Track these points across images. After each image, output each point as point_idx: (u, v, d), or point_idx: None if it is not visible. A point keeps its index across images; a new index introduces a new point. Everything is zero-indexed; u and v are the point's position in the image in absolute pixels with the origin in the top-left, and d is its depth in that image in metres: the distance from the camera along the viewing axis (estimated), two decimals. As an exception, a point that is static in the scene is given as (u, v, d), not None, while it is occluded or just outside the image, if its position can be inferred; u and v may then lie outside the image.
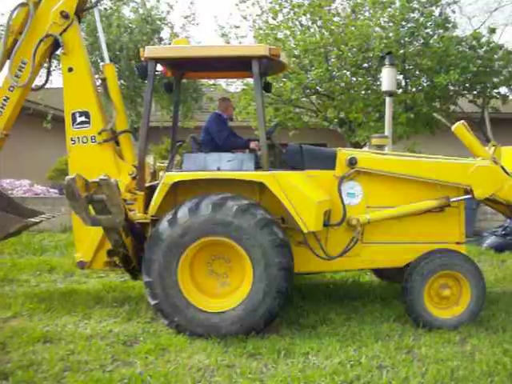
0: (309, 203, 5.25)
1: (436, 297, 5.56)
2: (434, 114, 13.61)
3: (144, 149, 5.62)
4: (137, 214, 5.52)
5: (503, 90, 13.57)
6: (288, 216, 5.37)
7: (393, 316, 5.78)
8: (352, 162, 5.72)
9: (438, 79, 11.66)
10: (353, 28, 12.08)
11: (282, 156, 5.96)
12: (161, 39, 12.92)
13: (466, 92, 13.33)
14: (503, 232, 10.04)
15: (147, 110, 5.66)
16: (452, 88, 12.72)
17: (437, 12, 12.54)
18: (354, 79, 13.05)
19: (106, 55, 6.28)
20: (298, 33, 12.93)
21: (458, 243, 5.91)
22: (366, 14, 12.93)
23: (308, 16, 13.00)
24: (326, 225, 5.59)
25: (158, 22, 12.96)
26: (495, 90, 13.26)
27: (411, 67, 12.61)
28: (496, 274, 7.95)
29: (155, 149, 13.73)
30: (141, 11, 12.76)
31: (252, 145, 6.09)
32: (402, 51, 12.08)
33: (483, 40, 12.69)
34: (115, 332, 5.26)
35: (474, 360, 4.65)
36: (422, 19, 12.39)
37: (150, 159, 6.63)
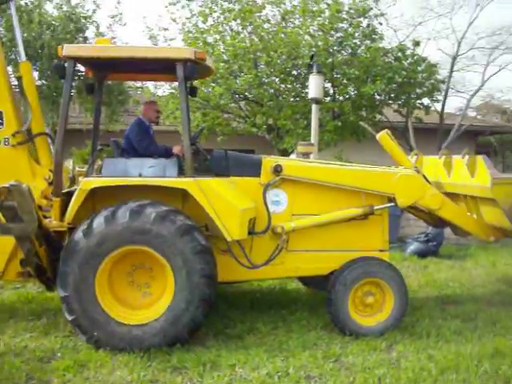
0: (233, 211, 5.13)
1: (360, 305, 5.61)
2: (361, 123, 13.89)
3: (60, 152, 5.30)
4: (52, 222, 5.19)
5: (426, 101, 14.04)
6: (212, 224, 5.22)
7: (320, 324, 5.79)
8: (277, 170, 5.68)
9: (364, 88, 11.88)
10: (282, 35, 12.12)
11: (207, 162, 5.81)
12: (86, 38, 12.43)
13: (391, 102, 13.68)
14: (426, 238, 10.35)
15: (64, 111, 5.35)
16: (378, 97, 13.00)
17: (365, 23, 12.77)
18: (283, 86, 13.09)
19: (22, 52, 5.91)
20: (228, 38, 12.83)
21: (381, 250, 6.02)
22: (296, 22, 13.00)
23: (238, 21, 12.93)
24: (250, 233, 5.49)
25: (83, 21, 12.46)
26: (418, 101, 13.70)
27: (339, 76, 12.78)
28: (419, 280, 8.15)
29: (78, 153, 13.19)
30: (65, 8, 12.24)
31: (175, 150, 5.88)
32: (330, 60, 12.22)
33: (408, 52, 13.09)
34: (31, 348, 4.96)
35: (400, 367, 4.70)
36: (350, 29, 12.61)
37: (68, 163, 6.28)
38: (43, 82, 12.16)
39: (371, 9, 12.65)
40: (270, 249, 5.68)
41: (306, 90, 13.06)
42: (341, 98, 13.00)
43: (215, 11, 13.05)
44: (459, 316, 6.26)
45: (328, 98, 13.06)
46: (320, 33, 12.48)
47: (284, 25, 12.94)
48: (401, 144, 15.30)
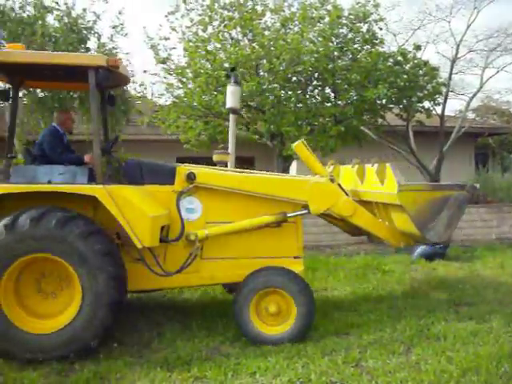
0: (143, 218, 5.10)
1: (266, 314, 5.55)
2: (362, 127, 13.91)
3: None
4: None
5: (427, 104, 14.08)
6: (123, 231, 5.20)
7: (334, 329, 5.81)
8: (190, 178, 5.72)
9: (367, 93, 11.92)
10: (283, 42, 12.13)
11: (121, 170, 5.81)
12: (88, 49, 12.42)
13: (392, 106, 13.71)
14: (432, 241, 10.32)
15: None
16: (379, 102, 13.02)
17: (364, 28, 12.82)
18: (284, 92, 13.10)
19: None
20: (229, 46, 12.85)
21: (296, 257, 6.04)
22: (296, 28, 13.03)
23: (238, 29, 12.97)
24: (164, 241, 5.50)
25: (85, 32, 12.45)
26: (419, 104, 13.73)
27: (340, 81, 12.80)
28: (429, 283, 8.15)
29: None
30: (66, 20, 12.23)
31: (87, 159, 5.85)
32: (331, 66, 12.27)
33: (409, 56, 13.15)
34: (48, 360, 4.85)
35: (421, 370, 4.69)
36: (350, 35, 12.67)
37: None
38: (45, 93, 12.14)
39: (371, 14, 12.69)
40: (184, 257, 5.68)
41: (307, 96, 13.10)
42: (342, 103, 13.02)
43: (215, 19, 13.09)
44: (473, 317, 6.27)
45: (329, 104, 13.11)
46: (320, 39, 12.51)
47: (284, 31, 12.96)
48: (402, 148, 15.41)
